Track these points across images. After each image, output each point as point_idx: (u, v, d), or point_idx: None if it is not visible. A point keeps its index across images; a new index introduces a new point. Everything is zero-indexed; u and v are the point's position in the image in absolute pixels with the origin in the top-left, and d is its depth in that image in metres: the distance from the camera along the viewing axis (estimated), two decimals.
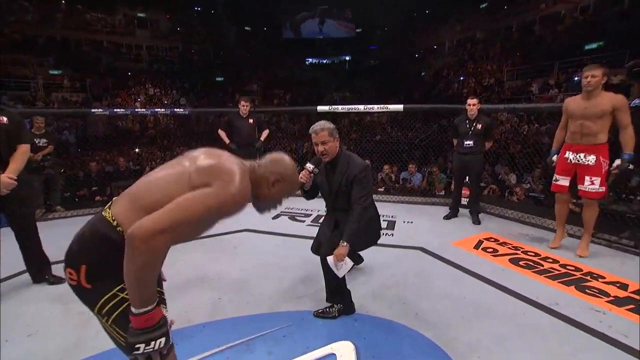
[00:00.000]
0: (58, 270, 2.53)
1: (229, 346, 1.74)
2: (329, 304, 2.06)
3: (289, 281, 2.44)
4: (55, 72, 15.67)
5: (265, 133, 4.73)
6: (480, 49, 16.89)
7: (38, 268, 2.47)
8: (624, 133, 2.44)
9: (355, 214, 1.91)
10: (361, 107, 4.90)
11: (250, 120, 4.55)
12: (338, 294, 2.04)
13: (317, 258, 2.09)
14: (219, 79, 20.39)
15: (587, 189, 2.59)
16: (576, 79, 10.36)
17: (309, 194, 2.16)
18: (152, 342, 0.86)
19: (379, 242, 2.23)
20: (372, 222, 2.10)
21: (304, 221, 3.89)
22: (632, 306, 2.08)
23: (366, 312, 2.06)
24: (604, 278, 2.42)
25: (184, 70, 19.46)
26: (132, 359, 0.88)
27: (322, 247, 2.05)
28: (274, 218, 4.05)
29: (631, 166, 2.51)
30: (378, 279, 2.48)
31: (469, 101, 3.57)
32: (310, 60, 25.90)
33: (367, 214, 1.97)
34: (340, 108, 5.08)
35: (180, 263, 2.69)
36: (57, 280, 2.47)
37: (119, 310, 0.93)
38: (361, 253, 2.47)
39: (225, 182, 0.92)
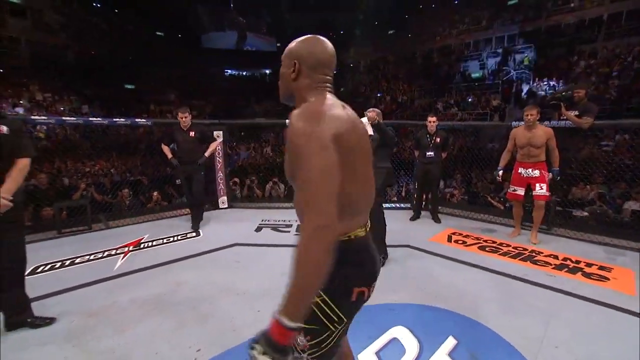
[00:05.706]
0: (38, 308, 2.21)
1: None
2: None
3: None
4: None
5: (214, 145, 4.21)
6: (392, 69, 19.20)
7: (16, 310, 2.09)
8: (552, 154, 3.46)
9: None
10: None
11: (192, 134, 4.02)
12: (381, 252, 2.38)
13: None
14: (128, 86, 18.34)
15: (538, 193, 3.50)
16: (470, 99, 12.80)
17: None
18: None
19: None
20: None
21: (288, 231, 4.02)
22: (566, 269, 2.93)
23: (395, 301, 2.39)
24: (543, 253, 3.28)
25: (82, 74, 16.85)
26: None
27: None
28: (256, 230, 4.07)
29: (558, 177, 3.58)
30: (388, 273, 2.83)
31: (430, 118, 4.26)
32: (229, 71, 25.36)
33: None
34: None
35: (205, 280, 2.63)
36: (41, 321, 2.14)
37: None
38: None
39: None
